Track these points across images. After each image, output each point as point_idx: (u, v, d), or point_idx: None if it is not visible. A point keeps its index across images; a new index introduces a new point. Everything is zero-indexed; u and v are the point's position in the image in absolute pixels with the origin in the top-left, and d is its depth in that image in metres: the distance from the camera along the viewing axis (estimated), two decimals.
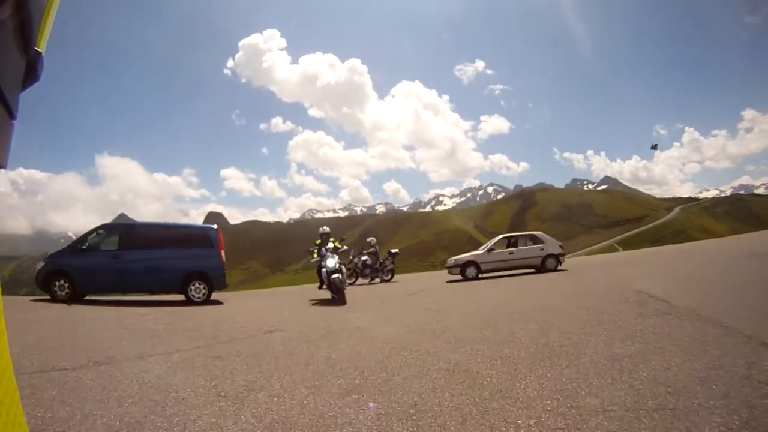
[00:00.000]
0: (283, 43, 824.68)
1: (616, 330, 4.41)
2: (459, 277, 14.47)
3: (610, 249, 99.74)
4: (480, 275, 14.31)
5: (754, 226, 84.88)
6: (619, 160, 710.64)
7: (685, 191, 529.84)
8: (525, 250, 14.65)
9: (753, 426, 2.07)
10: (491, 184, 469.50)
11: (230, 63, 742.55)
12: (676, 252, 20.46)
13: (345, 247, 10.77)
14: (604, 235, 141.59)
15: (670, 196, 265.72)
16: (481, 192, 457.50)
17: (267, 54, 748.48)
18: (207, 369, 3.79)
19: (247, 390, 3.15)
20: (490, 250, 14.84)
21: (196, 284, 10.15)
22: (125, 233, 10.77)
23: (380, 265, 16.08)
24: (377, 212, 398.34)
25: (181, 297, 10.32)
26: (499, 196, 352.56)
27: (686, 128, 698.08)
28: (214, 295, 10.81)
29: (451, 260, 15.31)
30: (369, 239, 17.05)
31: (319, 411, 2.68)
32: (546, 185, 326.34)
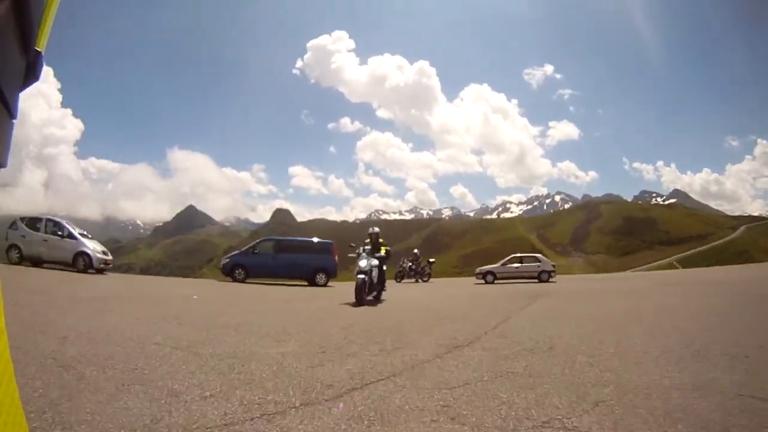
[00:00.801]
0: (351, 44, 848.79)
1: (492, 302, 11.20)
2: (482, 281, 21.26)
3: (669, 267, 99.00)
4: (495, 281, 20.98)
5: None
6: (689, 173, 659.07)
7: (756, 208, 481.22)
8: (527, 266, 21.16)
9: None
10: (558, 193, 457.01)
11: (299, 63, 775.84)
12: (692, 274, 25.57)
13: (383, 254, 10.72)
14: (666, 252, 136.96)
15: (740, 213, 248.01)
16: (548, 200, 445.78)
17: (335, 55, 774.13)
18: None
19: (351, 308, 10.36)
20: (504, 264, 21.53)
21: (320, 274, 17.77)
22: (278, 244, 18.84)
23: (421, 270, 23.29)
24: (443, 216, 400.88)
25: (305, 283, 17.94)
26: (567, 206, 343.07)
27: (759, 140, 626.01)
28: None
29: (478, 270, 22.17)
30: (414, 250, 24.42)
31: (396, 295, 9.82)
32: (614, 196, 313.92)
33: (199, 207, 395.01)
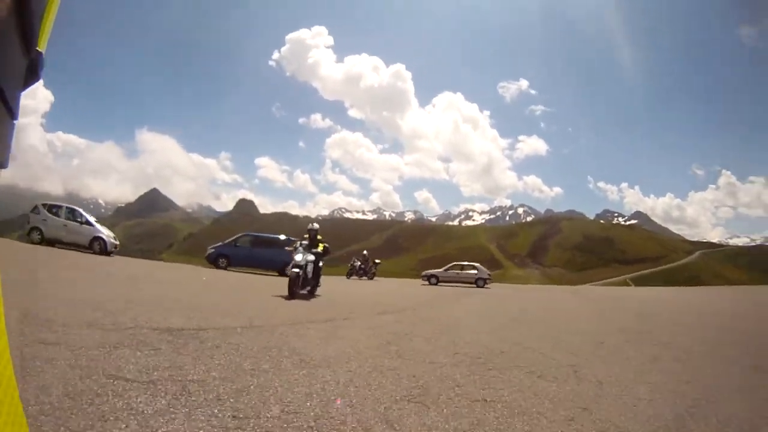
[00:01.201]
0: (330, 41, 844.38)
1: (422, 297, 14.93)
2: (427, 283, 25.11)
3: (623, 283, 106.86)
4: (438, 284, 24.88)
5: None
6: (652, 196, 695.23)
7: (715, 235, 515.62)
8: (466, 273, 25.24)
9: None
10: (522, 205, 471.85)
11: (276, 55, 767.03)
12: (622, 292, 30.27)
13: (320, 250, 10.74)
14: (621, 271, 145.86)
15: (699, 239, 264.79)
16: (511, 212, 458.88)
17: (313, 50, 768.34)
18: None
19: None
20: (447, 269, 25.52)
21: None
22: (255, 239, 22.17)
23: (368, 269, 26.93)
24: (406, 219, 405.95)
25: (275, 274, 21.19)
26: (529, 218, 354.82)
27: (723, 171, 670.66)
28: None
29: (424, 273, 26.11)
30: (364, 251, 28.00)
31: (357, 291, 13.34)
32: (576, 213, 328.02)
33: (163, 191, 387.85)
